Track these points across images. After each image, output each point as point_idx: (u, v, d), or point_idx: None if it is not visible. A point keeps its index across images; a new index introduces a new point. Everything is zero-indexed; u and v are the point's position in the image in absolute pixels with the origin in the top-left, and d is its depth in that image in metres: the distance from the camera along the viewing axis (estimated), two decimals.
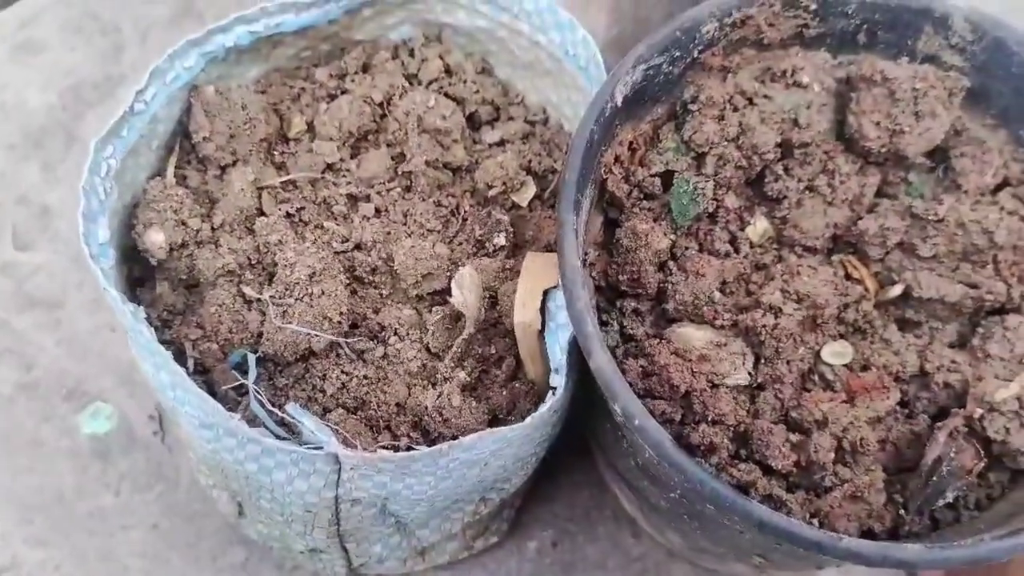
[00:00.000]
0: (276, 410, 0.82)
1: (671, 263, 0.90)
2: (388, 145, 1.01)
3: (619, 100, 0.85)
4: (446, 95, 1.03)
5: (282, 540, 0.98)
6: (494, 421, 0.89)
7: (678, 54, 0.89)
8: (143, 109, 0.91)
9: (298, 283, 0.87)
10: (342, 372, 0.89)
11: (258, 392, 0.83)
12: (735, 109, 0.91)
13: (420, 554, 1.02)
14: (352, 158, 1.00)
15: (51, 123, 1.36)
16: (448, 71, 1.05)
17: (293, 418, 0.80)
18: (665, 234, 0.90)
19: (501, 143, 1.05)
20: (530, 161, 1.02)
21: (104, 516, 1.14)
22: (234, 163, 0.98)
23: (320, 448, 0.78)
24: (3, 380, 1.20)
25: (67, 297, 1.25)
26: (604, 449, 1.04)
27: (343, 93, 1.02)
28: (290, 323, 0.86)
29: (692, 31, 0.88)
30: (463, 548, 1.05)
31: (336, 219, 0.97)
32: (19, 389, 1.20)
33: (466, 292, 0.89)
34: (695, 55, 0.91)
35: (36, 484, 1.15)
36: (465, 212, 0.99)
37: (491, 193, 1.00)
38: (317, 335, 0.87)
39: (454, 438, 0.82)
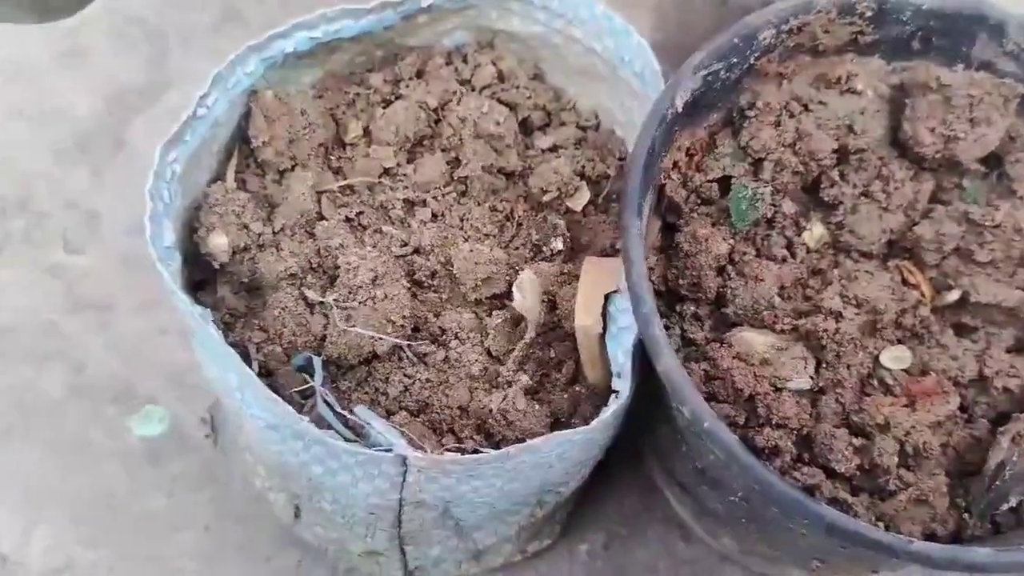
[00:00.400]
0: (344, 412, 0.82)
1: (729, 268, 0.90)
2: (443, 150, 1.01)
3: (680, 106, 0.86)
4: (499, 101, 1.04)
5: (340, 542, 0.99)
6: (556, 424, 0.90)
7: (735, 61, 0.90)
8: (205, 114, 0.91)
9: (361, 286, 0.88)
10: (404, 375, 0.90)
11: (326, 395, 0.83)
12: (791, 115, 0.92)
13: (475, 557, 1.02)
14: (408, 163, 1.01)
15: (98, 128, 1.37)
16: (501, 77, 1.06)
17: (361, 420, 0.81)
18: (724, 239, 0.90)
19: (554, 148, 1.05)
20: (583, 166, 1.03)
21: (156, 518, 1.14)
22: (293, 167, 0.99)
23: (388, 450, 0.78)
24: (53, 383, 1.21)
25: (116, 300, 1.26)
26: (659, 453, 1.05)
27: (398, 99, 1.03)
28: (354, 326, 0.87)
29: (750, 38, 0.89)
30: (517, 551, 1.06)
31: (394, 223, 0.98)
32: (69, 391, 1.21)
33: (527, 296, 0.90)
34: (751, 62, 0.91)
35: (87, 486, 1.16)
36: (520, 217, 1.00)
37: (545, 198, 1.00)
38: (381, 338, 0.87)
39: (518, 441, 0.82)
